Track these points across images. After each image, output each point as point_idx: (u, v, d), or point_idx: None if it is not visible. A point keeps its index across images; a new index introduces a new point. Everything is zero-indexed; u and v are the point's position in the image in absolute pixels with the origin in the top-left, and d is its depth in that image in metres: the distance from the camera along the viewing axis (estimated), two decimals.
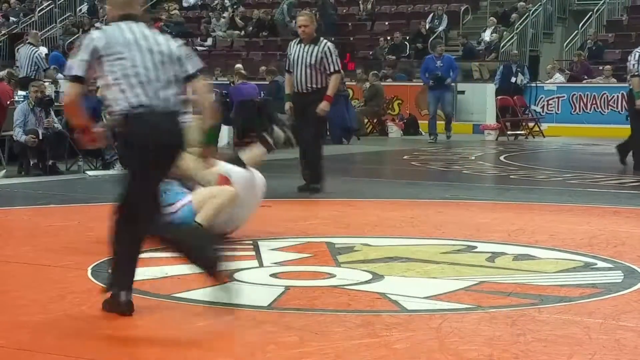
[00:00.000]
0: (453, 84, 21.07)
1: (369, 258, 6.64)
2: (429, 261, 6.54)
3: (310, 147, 10.83)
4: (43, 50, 17.23)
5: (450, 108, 20.51)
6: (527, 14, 25.63)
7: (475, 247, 7.12)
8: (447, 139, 19.90)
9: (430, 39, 26.06)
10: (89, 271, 6.07)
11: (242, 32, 28.94)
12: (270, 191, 10.78)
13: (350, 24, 28.10)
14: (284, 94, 17.68)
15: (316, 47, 10.63)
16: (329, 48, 10.65)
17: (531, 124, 21.97)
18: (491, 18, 26.08)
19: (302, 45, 10.78)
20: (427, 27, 26.45)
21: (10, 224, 8.34)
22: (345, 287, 5.71)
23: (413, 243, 7.34)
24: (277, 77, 18.35)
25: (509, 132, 21.23)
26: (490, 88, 22.73)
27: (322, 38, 11.06)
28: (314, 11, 26.02)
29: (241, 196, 7.11)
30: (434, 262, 6.50)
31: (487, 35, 25.76)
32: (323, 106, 10.63)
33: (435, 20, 26.56)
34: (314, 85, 10.69)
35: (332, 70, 10.60)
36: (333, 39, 26.46)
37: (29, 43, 17.69)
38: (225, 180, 7.16)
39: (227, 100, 17.27)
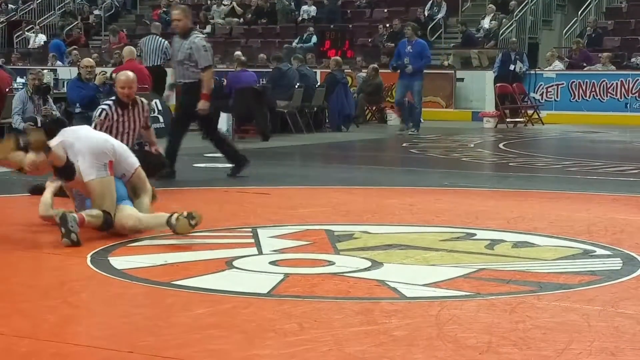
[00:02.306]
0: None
1: (368, 245, 6.64)
2: (428, 248, 6.54)
3: (170, 134, 10.71)
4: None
5: (418, 98, 18.32)
6: (527, 1, 25.60)
7: (474, 235, 7.12)
8: (408, 133, 18.09)
9: (429, 26, 26.06)
10: (89, 259, 6.07)
11: (241, 20, 28.92)
12: (269, 178, 10.82)
13: (349, 11, 28.08)
14: (286, 81, 17.80)
15: (185, 42, 10.36)
16: (195, 43, 10.31)
17: (530, 112, 21.99)
18: (490, 5, 26.06)
19: (177, 39, 10.65)
20: (426, 14, 26.42)
21: (9, 212, 8.34)
22: (344, 274, 5.71)
23: (412, 230, 7.34)
24: (281, 64, 18.33)
25: (508, 120, 21.24)
26: (490, 75, 22.73)
27: (194, 32, 10.71)
28: None
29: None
30: (433, 250, 6.51)
31: (486, 23, 25.73)
32: (201, 105, 10.31)
33: (435, 8, 26.54)
34: (185, 80, 10.45)
35: (202, 65, 10.29)
36: (332, 25, 26.60)
37: (152, 34, 17.91)
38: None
39: (224, 87, 17.25)
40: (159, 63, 17.24)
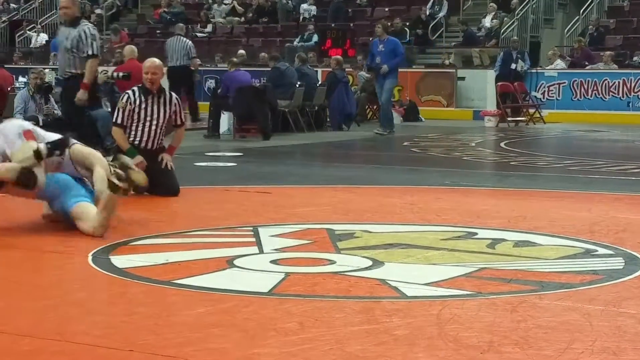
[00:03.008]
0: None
1: (369, 244, 6.63)
2: (429, 247, 6.54)
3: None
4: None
5: (386, 97, 17.67)
6: (528, 0, 25.59)
7: (476, 234, 7.11)
8: (374, 131, 17.67)
9: (430, 25, 26.05)
10: (90, 257, 6.06)
11: (242, 19, 28.92)
12: (270, 177, 10.82)
13: (350, 10, 28.07)
14: (286, 80, 17.78)
15: (74, 30, 10.09)
16: (84, 31, 10.05)
17: (532, 111, 21.98)
18: (491, 4, 26.05)
19: (64, 28, 10.46)
20: (427, 13, 26.43)
21: (11, 209, 8.33)
22: (345, 273, 5.70)
23: (413, 229, 7.34)
24: (279, 64, 18.33)
25: (509, 119, 21.23)
26: (491, 74, 22.72)
27: (82, 20, 10.46)
28: None
29: None
30: (434, 249, 6.50)
31: (487, 21, 25.73)
32: (80, 95, 10.07)
33: (436, 6, 26.55)
34: (72, 70, 10.20)
35: (88, 53, 10.04)
36: (333, 24, 26.60)
37: (177, 35, 18.11)
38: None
39: (221, 88, 17.22)
40: (184, 63, 17.41)
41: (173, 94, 9.28)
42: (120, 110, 8.97)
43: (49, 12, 31.75)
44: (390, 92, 17.71)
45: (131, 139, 9.02)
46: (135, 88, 9.08)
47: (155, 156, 9.05)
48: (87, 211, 6.89)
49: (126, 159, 7.62)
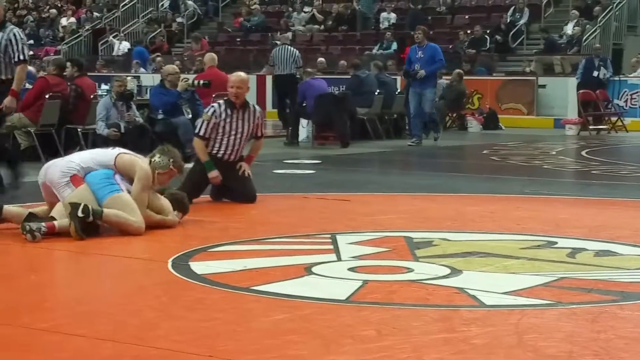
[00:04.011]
0: (440, 80, 18.72)
1: (448, 253, 6.60)
2: (508, 256, 6.48)
3: None
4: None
5: (430, 107, 16.85)
6: (611, 6, 25.23)
7: (556, 243, 7.03)
8: (435, 140, 17.24)
9: (511, 32, 25.85)
10: (170, 263, 6.13)
11: (322, 27, 29.00)
12: (348, 185, 10.82)
13: (430, 18, 27.97)
14: (365, 88, 17.79)
15: (3, 35, 9.52)
16: (14, 34, 9.51)
17: (614, 119, 21.65)
18: (573, 11, 25.74)
19: None
20: (508, 20, 26.21)
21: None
22: (423, 281, 5.68)
23: (492, 238, 7.28)
24: (358, 71, 18.35)
25: (591, 127, 20.94)
26: (572, 82, 22.43)
27: (9, 24, 9.90)
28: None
29: None
30: (514, 258, 6.44)
31: (569, 29, 25.43)
32: (7, 102, 9.43)
33: (517, 14, 26.32)
34: (1, 76, 9.51)
35: (17, 59, 9.44)
36: (413, 32, 26.50)
37: (283, 44, 18.53)
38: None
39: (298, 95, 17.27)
40: (292, 71, 17.61)
41: (257, 107, 9.35)
42: (205, 122, 9.05)
43: (132, 20, 32.21)
44: (432, 102, 16.90)
45: (214, 151, 9.07)
46: (221, 101, 9.17)
47: (233, 165, 9.13)
48: (125, 203, 7.11)
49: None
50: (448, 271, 5.95)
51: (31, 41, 31.87)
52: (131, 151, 7.65)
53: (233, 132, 9.05)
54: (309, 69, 17.66)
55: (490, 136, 19.99)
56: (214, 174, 8.91)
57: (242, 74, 9.31)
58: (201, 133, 9.09)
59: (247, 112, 9.15)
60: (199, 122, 9.37)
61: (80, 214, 6.87)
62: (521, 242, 7.09)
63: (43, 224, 6.96)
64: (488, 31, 25.97)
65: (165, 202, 7.50)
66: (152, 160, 7.51)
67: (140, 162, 7.43)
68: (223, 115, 9.03)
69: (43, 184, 7.47)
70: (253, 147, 9.44)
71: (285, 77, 17.82)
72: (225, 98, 9.21)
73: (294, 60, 18.22)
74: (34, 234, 6.84)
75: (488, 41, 25.65)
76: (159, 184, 7.55)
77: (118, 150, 7.64)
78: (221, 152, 9.08)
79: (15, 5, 35.68)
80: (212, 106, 9.17)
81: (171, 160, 7.56)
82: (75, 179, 7.27)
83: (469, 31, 26.16)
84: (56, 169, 7.40)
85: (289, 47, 18.81)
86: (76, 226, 6.85)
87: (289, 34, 20.60)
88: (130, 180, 7.34)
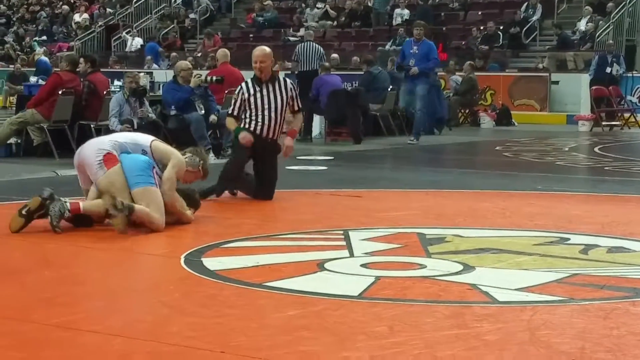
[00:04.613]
0: (433, 76, 17.80)
1: (460, 249, 6.60)
2: (520, 253, 6.48)
3: None
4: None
5: (421, 104, 16.16)
6: (624, 2, 25.15)
7: (568, 239, 7.02)
8: (409, 142, 16.18)
9: (524, 28, 25.78)
10: (182, 259, 6.14)
11: (335, 23, 28.97)
12: (361, 181, 10.82)
13: (443, 14, 27.93)
14: (378, 84, 17.79)
15: None
16: None
17: (627, 115, 21.59)
18: (586, 7, 25.67)
19: None
20: (521, 16, 26.15)
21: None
22: (435, 277, 5.68)
23: (505, 234, 7.27)
24: (371, 68, 18.35)
25: (603, 123, 20.89)
26: (585, 78, 22.38)
27: None
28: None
29: None
30: (526, 254, 6.44)
31: (582, 25, 25.36)
32: None
33: (530, 10, 26.25)
34: None
35: None
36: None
37: (307, 41, 18.65)
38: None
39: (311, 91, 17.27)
40: (315, 68, 17.66)
41: (288, 79, 9.32)
42: (234, 100, 9.10)
43: (145, 16, 32.25)
44: (424, 99, 16.21)
45: (251, 127, 9.00)
46: (249, 79, 9.19)
47: (269, 148, 9.06)
48: (153, 198, 7.14)
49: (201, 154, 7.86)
50: (461, 267, 5.95)
51: (44, 37, 31.98)
52: None
53: (266, 107, 8.97)
54: (326, 64, 17.67)
55: (502, 132, 19.96)
56: (243, 133, 8.91)
57: (264, 47, 9.24)
58: (230, 111, 9.14)
59: (278, 86, 9.06)
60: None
61: (119, 206, 6.92)
62: (534, 238, 7.08)
63: (67, 203, 7.02)
64: (501, 27, 25.91)
65: (180, 198, 7.53)
66: (185, 156, 7.60)
67: (176, 152, 7.56)
68: (251, 91, 8.99)
69: (78, 166, 7.47)
70: (294, 121, 9.38)
71: (309, 73, 17.89)
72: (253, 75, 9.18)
73: (319, 56, 18.29)
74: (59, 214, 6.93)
75: (501, 37, 25.60)
76: (183, 181, 7.61)
77: (153, 137, 7.73)
78: (258, 128, 9.01)
79: (29, 1, 35.75)
80: (240, 84, 9.22)
81: (202, 162, 7.72)
82: (108, 158, 7.23)
83: (482, 27, 26.10)
84: (90, 148, 7.41)
85: (314, 43, 18.89)
86: (123, 220, 6.90)
87: (312, 32, 20.67)
88: (163, 165, 7.41)
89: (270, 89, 9.01)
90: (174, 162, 7.42)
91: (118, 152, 7.31)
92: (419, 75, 15.99)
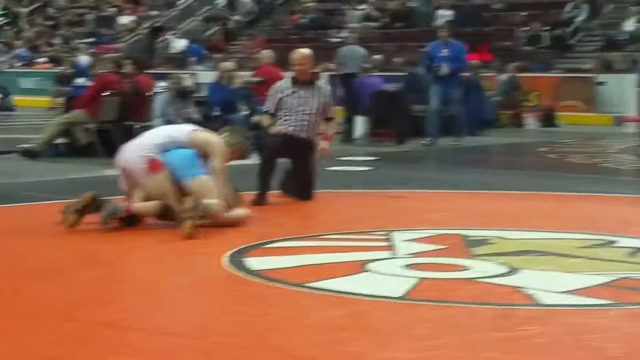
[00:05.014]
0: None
1: (504, 251, 6.54)
2: (566, 255, 6.41)
3: None
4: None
5: (457, 108, 16.09)
6: None
7: (616, 242, 6.94)
8: (455, 142, 16.16)
9: (570, 29, 25.58)
10: (225, 259, 6.14)
11: (377, 24, 28.92)
12: (404, 182, 10.79)
13: (486, 15, 27.78)
14: (421, 85, 17.74)
15: None
16: None
17: None
18: (633, 7, 25.41)
19: None
20: (567, 16, 25.95)
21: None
22: (479, 279, 5.64)
23: (550, 236, 7.21)
24: (414, 69, 18.29)
25: None
26: (632, 79, 22.12)
27: None
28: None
29: None
30: (572, 256, 6.37)
31: (628, 25, 25.11)
32: None
33: (575, 10, 26.04)
34: None
35: None
36: (469, 30, 26.34)
37: (350, 44, 18.71)
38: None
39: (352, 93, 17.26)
40: (357, 70, 17.67)
41: (325, 85, 9.32)
42: (270, 97, 9.13)
43: (189, 18, 32.40)
44: (460, 102, 15.96)
45: (282, 127, 9.02)
46: (288, 78, 9.21)
47: (305, 148, 9.04)
48: (206, 186, 7.23)
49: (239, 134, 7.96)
50: (505, 269, 5.90)
51: (91, 39, 32.23)
52: None
53: (300, 108, 8.97)
54: (366, 66, 17.64)
55: (547, 133, 19.82)
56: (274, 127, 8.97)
57: (304, 50, 9.25)
58: (265, 108, 9.19)
59: (314, 89, 9.07)
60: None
61: (200, 213, 6.96)
62: (579, 240, 7.01)
63: (120, 205, 7.14)
64: (546, 28, 25.73)
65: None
66: (224, 137, 7.67)
67: (215, 138, 7.58)
68: (287, 91, 9.02)
69: (121, 169, 7.51)
70: (328, 127, 9.27)
71: (352, 75, 17.93)
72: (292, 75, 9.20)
73: (361, 59, 18.30)
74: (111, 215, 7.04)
75: (545, 38, 25.41)
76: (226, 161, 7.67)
77: (191, 126, 7.75)
78: (289, 127, 9.00)
79: (76, 4, 36.07)
80: (279, 82, 9.24)
81: (240, 140, 7.80)
82: (153, 164, 7.26)
83: (526, 28, 25.93)
84: (132, 154, 7.42)
85: (356, 46, 18.89)
86: (194, 223, 6.93)
87: (355, 35, 20.68)
88: (202, 155, 7.45)
89: (307, 91, 9.02)
90: (218, 150, 7.46)
91: (160, 154, 7.33)
92: (451, 77, 15.69)
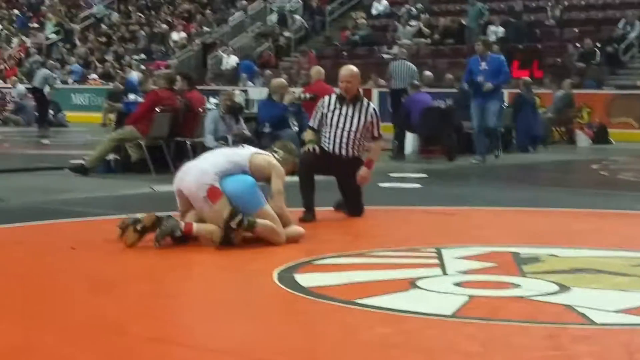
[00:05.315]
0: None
1: (556, 269, 6.49)
2: (618, 273, 6.34)
3: None
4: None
5: (495, 121, 15.74)
6: None
7: None
8: (495, 157, 16.22)
9: (622, 46, 25.36)
10: (275, 275, 6.15)
11: (429, 40, 28.90)
12: (454, 199, 10.74)
13: (538, 31, 27.64)
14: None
15: None
16: None
17: None
18: None
19: None
20: (619, 33, 25.74)
21: None
22: (530, 297, 5.60)
23: (602, 254, 7.13)
24: (464, 85, 18.24)
25: None
26: None
27: None
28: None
29: None
30: (624, 275, 6.30)
31: None
32: None
33: (627, 26, 25.83)
34: None
35: None
36: (521, 45, 26.24)
37: (401, 59, 19.20)
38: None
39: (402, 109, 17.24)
40: (405, 86, 17.72)
41: (371, 104, 9.27)
42: (314, 113, 9.14)
43: (240, 34, 32.59)
44: (496, 115, 15.65)
45: (325, 144, 9.03)
46: (333, 94, 9.20)
47: (348, 165, 9.01)
48: (272, 215, 7.31)
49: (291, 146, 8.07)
50: (556, 288, 5.85)
51: (143, 56, 32.54)
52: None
53: (340, 125, 8.94)
54: (416, 83, 17.63)
55: (599, 151, 19.64)
56: (310, 135, 9.05)
57: (352, 67, 9.20)
58: (310, 123, 9.24)
59: (359, 107, 9.00)
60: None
61: (234, 225, 7.00)
62: (632, 259, 6.92)
63: (181, 224, 7.17)
64: (598, 44, 25.54)
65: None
66: (277, 154, 7.77)
67: (274, 161, 7.66)
68: (331, 107, 9.01)
69: (178, 191, 7.49)
70: (372, 150, 9.17)
71: (402, 91, 17.95)
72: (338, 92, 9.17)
73: (411, 75, 18.32)
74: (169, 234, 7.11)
75: (598, 54, 25.22)
76: None
77: (250, 149, 7.79)
78: (330, 145, 8.99)
79: (128, 21, 36.44)
80: (323, 98, 9.25)
81: (292, 154, 7.95)
82: (213, 193, 7.24)
83: (578, 44, 25.76)
84: (192, 180, 7.36)
85: (407, 61, 18.92)
86: (223, 235, 7.00)
87: (405, 50, 20.76)
88: (263, 178, 7.51)
89: (351, 109, 9.00)
90: (278, 173, 7.55)
91: (220, 180, 7.33)
92: (490, 92, 15.37)
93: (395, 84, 18.37)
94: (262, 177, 7.51)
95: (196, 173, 7.39)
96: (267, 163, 7.58)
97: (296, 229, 7.60)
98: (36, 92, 26.00)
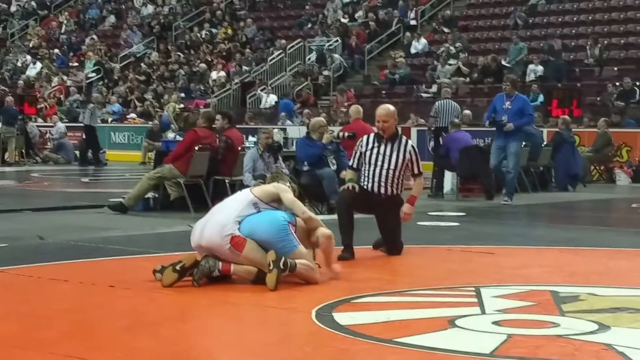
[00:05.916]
0: (529, 132, 16.94)
1: (595, 308, 6.45)
2: None
3: None
4: None
5: (513, 163, 15.18)
6: None
7: None
8: (501, 202, 15.28)
9: None
10: (313, 314, 6.17)
11: (467, 79, 28.93)
12: (493, 237, 10.71)
13: (577, 70, 27.60)
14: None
15: None
16: None
17: None
18: None
19: None
20: None
21: None
22: (569, 336, 5.57)
23: None
24: None
25: None
26: None
27: None
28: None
29: None
30: None
31: None
32: None
33: None
34: None
35: None
36: (560, 84, 26.18)
37: (446, 98, 19.44)
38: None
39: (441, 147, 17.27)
40: (447, 125, 17.81)
41: (410, 141, 9.29)
42: (354, 152, 9.19)
43: (279, 73, 32.78)
44: (516, 156, 15.25)
45: (364, 183, 9.06)
46: (372, 133, 9.27)
47: (387, 203, 9.04)
48: (306, 255, 7.42)
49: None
50: (596, 327, 5.82)
51: (182, 94, 32.80)
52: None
53: (379, 163, 8.98)
54: (455, 121, 17.65)
55: (639, 189, 19.49)
56: (350, 174, 9.10)
57: (388, 106, 9.25)
58: (350, 163, 9.30)
59: (397, 145, 9.04)
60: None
61: (282, 266, 7.04)
62: None
63: (219, 264, 7.21)
64: (638, 83, 25.44)
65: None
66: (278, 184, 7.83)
67: (273, 184, 7.76)
68: (370, 146, 9.06)
69: (197, 247, 7.45)
70: (414, 187, 9.17)
71: (444, 129, 18.10)
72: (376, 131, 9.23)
73: (456, 114, 18.44)
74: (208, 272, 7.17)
75: (638, 93, 25.10)
76: None
77: (248, 188, 7.97)
78: (368, 183, 9.03)
79: (168, 60, 36.79)
80: (362, 138, 9.30)
81: (289, 182, 7.95)
82: (237, 242, 7.26)
83: (618, 83, 25.67)
84: (213, 235, 7.34)
85: (451, 101, 19.12)
86: (278, 276, 7.03)
87: (449, 89, 20.99)
88: (273, 202, 7.55)
89: (389, 147, 9.03)
90: (283, 188, 7.64)
91: (242, 223, 7.36)
92: (512, 132, 15.01)
93: (440, 122, 18.49)
94: (269, 199, 7.55)
95: (215, 228, 7.36)
96: (271, 188, 7.67)
97: (324, 230, 7.64)
98: (87, 129, 26.55)
